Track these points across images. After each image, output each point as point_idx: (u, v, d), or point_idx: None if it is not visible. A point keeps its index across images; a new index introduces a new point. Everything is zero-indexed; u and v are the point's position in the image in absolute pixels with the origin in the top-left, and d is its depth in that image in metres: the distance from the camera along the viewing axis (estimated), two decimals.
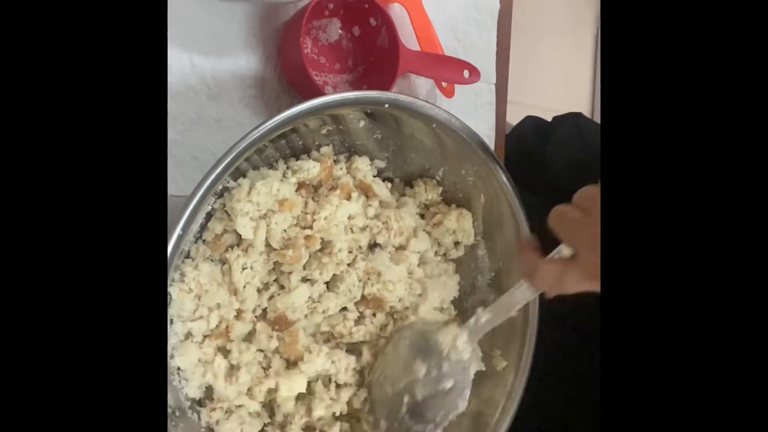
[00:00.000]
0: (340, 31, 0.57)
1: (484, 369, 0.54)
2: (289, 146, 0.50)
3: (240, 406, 0.47)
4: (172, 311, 0.44)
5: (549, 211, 0.41)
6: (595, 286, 0.38)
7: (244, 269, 0.47)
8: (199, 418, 0.46)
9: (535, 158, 0.74)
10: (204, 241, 0.47)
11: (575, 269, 0.40)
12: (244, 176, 0.48)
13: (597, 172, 0.38)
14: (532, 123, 0.84)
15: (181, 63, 0.50)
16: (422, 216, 0.57)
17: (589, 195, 0.39)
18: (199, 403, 0.47)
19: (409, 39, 0.60)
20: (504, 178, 0.51)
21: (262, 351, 0.49)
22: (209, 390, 0.47)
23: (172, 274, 0.44)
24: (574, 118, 0.78)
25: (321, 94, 0.50)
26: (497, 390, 0.53)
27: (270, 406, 0.49)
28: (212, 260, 0.47)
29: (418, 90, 0.64)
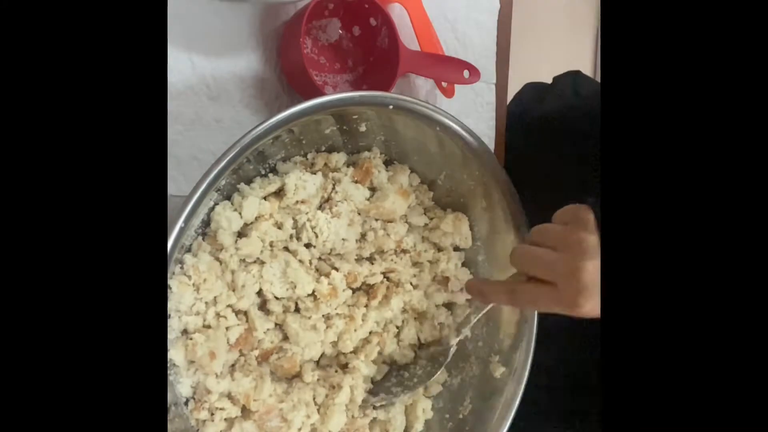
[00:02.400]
0: (340, 31, 0.57)
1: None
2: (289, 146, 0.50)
3: (221, 409, 0.47)
4: (170, 305, 0.45)
5: (545, 209, 0.42)
6: (568, 312, 0.38)
7: (242, 260, 0.48)
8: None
9: (535, 117, 0.74)
10: (205, 236, 0.48)
11: (551, 293, 0.39)
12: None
13: (587, 119, 0.39)
14: (531, 87, 0.84)
15: (181, 63, 0.50)
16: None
17: (571, 210, 0.40)
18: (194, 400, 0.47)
19: (409, 39, 0.60)
20: (505, 183, 0.51)
21: (243, 355, 0.49)
22: (199, 389, 0.47)
23: (173, 267, 0.45)
24: (573, 75, 0.79)
25: (321, 94, 0.50)
26: (494, 397, 0.54)
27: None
28: (212, 255, 0.47)
29: (418, 90, 0.64)
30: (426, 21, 0.61)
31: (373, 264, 0.54)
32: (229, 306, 0.47)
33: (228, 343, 0.47)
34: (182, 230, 0.39)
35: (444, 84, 0.63)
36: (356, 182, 0.52)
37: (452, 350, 0.54)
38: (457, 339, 0.53)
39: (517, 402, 0.53)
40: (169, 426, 0.43)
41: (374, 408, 0.53)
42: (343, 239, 0.51)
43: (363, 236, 0.53)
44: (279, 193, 0.50)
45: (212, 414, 0.46)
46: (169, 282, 0.44)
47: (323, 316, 0.51)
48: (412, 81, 0.63)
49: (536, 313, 0.53)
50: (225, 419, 0.47)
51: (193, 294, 0.45)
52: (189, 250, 0.47)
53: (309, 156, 0.52)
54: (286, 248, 0.50)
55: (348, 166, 0.53)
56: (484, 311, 0.51)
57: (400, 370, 0.54)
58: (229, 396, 0.47)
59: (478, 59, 0.66)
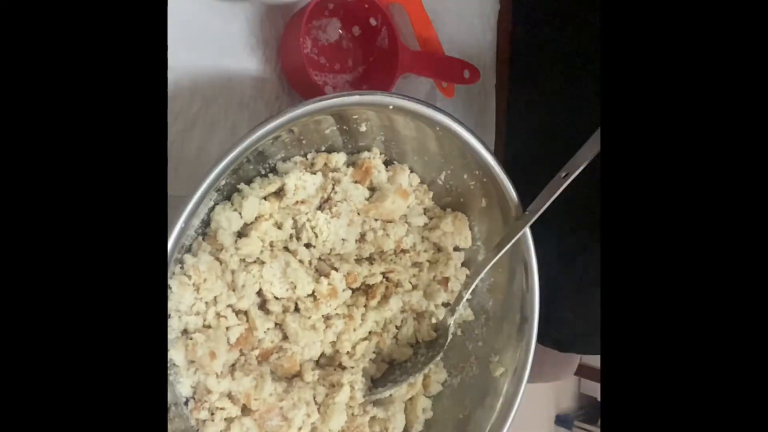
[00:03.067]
0: (340, 31, 0.57)
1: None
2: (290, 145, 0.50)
3: (222, 408, 0.47)
4: (170, 305, 0.45)
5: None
6: None
7: (242, 260, 0.48)
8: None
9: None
10: (205, 236, 0.48)
11: None
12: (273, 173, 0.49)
13: None
14: None
15: (181, 63, 0.50)
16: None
17: None
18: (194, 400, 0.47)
19: (409, 39, 0.60)
20: (505, 183, 0.51)
21: (243, 354, 0.49)
22: (199, 389, 0.47)
23: (173, 267, 0.45)
24: None
25: (321, 93, 0.50)
26: (495, 397, 0.54)
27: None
28: (212, 255, 0.47)
29: (418, 90, 0.64)
30: (426, 21, 0.61)
31: (372, 264, 0.54)
32: (229, 306, 0.47)
33: (228, 342, 0.47)
34: (182, 230, 0.39)
35: (444, 84, 0.63)
36: (356, 182, 0.52)
37: (450, 330, 0.54)
38: (453, 318, 0.54)
39: (517, 402, 0.53)
40: (169, 426, 0.43)
41: (374, 405, 0.53)
42: (342, 239, 0.51)
43: (362, 236, 0.53)
44: (279, 193, 0.50)
45: (212, 414, 0.46)
46: (169, 282, 0.44)
47: (323, 316, 0.51)
48: (412, 81, 0.63)
49: (536, 312, 0.53)
50: (225, 419, 0.47)
51: (193, 294, 0.45)
52: (189, 250, 0.47)
53: (309, 156, 0.52)
54: (286, 248, 0.50)
55: (348, 166, 0.53)
56: (473, 286, 0.52)
57: (399, 366, 0.55)
58: (230, 396, 0.47)
59: (478, 59, 0.66)
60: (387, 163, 0.55)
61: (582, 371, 1.81)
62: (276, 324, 0.50)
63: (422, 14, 0.61)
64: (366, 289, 0.54)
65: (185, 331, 0.46)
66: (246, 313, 0.49)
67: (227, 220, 0.46)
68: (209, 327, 0.47)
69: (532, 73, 0.71)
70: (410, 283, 0.56)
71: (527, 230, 0.51)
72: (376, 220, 0.53)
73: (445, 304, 0.57)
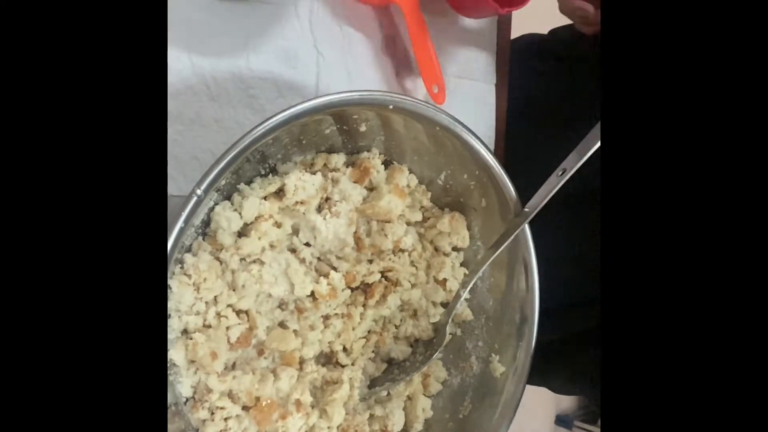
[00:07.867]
0: None
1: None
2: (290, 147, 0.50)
3: (222, 408, 0.47)
4: (170, 305, 0.45)
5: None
6: None
7: (242, 260, 0.48)
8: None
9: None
10: (205, 236, 0.48)
11: None
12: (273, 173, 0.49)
13: None
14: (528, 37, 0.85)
15: (181, 63, 0.50)
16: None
17: None
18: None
19: (404, 39, 0.60)
20: (504, 183, 0.51)
21: (244, 353, 0.49)
22: (200, 389, 0.47)
23: (173, 267, 0.45)
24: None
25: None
26: (495, 396, 0.54)
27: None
28: (212, 254, 0.47)
29: (418, 90, 0.64)
30: (421, 22, 0.61)
31: (371, 263, 0.54)
32: (229, 306, 0.47)
33: (229, 342, 0.47)
34: (182, 230, 0.39)
35: (435, 89, 0.62)
36: (355, 182, 0.52)
37: (448, 329, 0.54)
38: (451, 317, 0.54)
39: (517, 402, 0.53)
40: (169, 426, 0.43)
41: (375, 402, 0.53)
42: (341, 239, 0.51)
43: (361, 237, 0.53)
44: (279, 194, 0.50)
45: (212, 413, 0.46)
46: (169, 282, 0.44)
47: (322, 315, 0.51)
48: (412, 81, 0.63)
49: (536, 312, 0.53)
50: (225, 418, 0.47)
51: (193, 294, 0.45)
52: (189, 249, 0.47)
53: (309, 156, 0.52)
54: (286, 248, 0.51)
55: (347, 167, 0.53)
56: (471, 284, 0.52)
57: (398, 365, 0.55)
58: (230, 394, 0.47)
59: (477, 59, 0.66)
60: (386, 164, 0.55)
61: None
62: (276, 323, 0.50)
63: (418, 15, 0.61)
64: (365, 288, 0.54)
65: (185, 331, 0.46)
66: (247, 312, 0.49)
67: (227, 220, 0.46)
68: (209, 327, 0.47)
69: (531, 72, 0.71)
70: (409, 282, 0.56)
71: (526, 228, 0.51)
72: (375, 220, 0.53)
73: (444, 304, 0.57)
